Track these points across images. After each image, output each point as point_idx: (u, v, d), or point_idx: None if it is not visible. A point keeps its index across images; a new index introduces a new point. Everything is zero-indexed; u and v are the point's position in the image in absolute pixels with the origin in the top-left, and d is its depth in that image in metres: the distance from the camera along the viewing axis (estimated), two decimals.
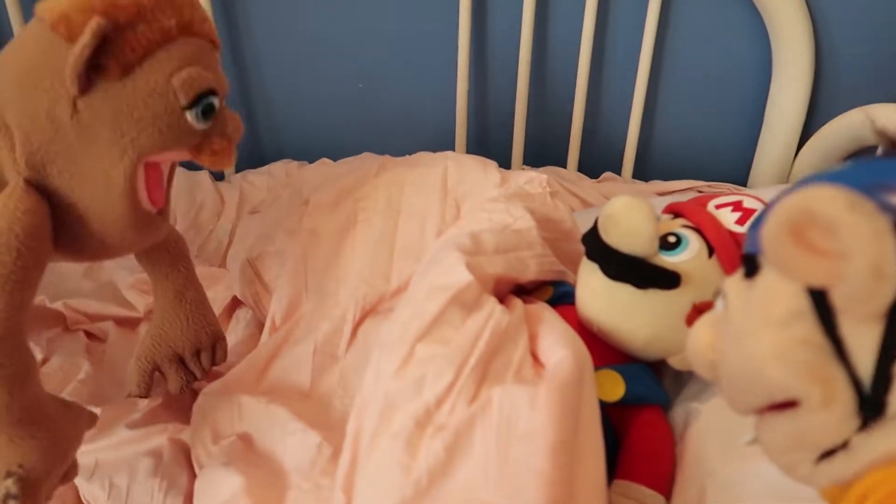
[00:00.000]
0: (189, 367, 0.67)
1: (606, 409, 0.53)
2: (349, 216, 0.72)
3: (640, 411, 0.55)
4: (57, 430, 0.49)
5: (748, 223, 0.56)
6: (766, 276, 0.31)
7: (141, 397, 0.67)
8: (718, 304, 0.35)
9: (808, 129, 1.02)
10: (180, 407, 0.68)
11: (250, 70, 1.08)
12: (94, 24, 0.45)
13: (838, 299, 0.28)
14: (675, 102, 1.08)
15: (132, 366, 0.67)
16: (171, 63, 0.49)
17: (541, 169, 1.07)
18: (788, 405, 0.30)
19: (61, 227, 0.52)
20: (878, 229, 0.26)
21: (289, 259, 0.72)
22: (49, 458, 0.47)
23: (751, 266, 0.33)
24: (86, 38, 0.45)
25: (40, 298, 0.79)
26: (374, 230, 0.70)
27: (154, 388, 0.68)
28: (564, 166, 1.10)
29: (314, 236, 0.72)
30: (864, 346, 0.28)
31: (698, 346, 0.36)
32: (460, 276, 0.53)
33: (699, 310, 0.54)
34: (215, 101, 0.52)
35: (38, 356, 0.72)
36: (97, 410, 0.56)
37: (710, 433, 0.53)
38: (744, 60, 1.03)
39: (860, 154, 0.96)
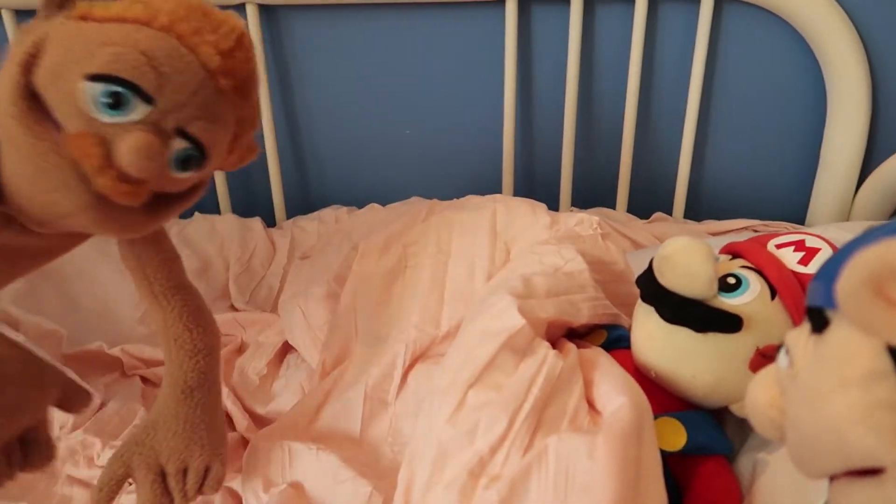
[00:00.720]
0: (169, 484, 0.53)
1: (667, 459, 0.51)
2: (398, 261, 0.72)
3: (703, 462, 0.53)
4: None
5: (812, 266, 0.54)
6: (840, 332, 0.29)
7: None
8: (782, 358, 0.33)
9: (867, 166, 0.99)
10: (233, 453, 0.68)
11: (300, 116, 1.11)
12: None
13: None
14: (727, 139, 1.06)
15: (106, 462, 0.55)
16: (124, 37, 0.43)
17: (589, 211, 1.06)
18: (870, 472, 0.28)
19: None
20: None
21: (339, 304, 0.72)
22: None
23: (819, 320, 0.31)
24: None
25: (98, 344, 0.81)
26: (423, 274, 0.70)
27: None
28: (613, 207, 1.08)
29: (364, 281, 0.72)
30: None
31: (759, 403, 0.34)
32: (512, 320, 0.52)
33: (763, 354, 0.51)
34: (132, 99, 0.42)
35: (97, 401, 0.73)
36: (91, 390, 0.53)
37: (779, 486, 0.50)
38: (797, 95, 1.01)
39: None
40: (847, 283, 0.27)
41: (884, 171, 0.96)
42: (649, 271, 0.54)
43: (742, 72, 1.01)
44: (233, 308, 0.93)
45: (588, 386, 0.51)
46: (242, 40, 0.48)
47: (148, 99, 0.43)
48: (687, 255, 0.51)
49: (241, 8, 1.00)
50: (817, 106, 1.00)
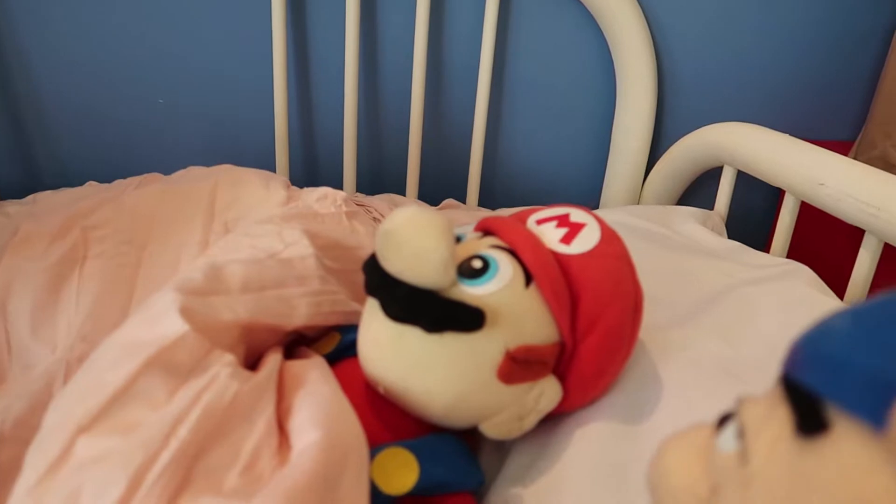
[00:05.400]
0: None
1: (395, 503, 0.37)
2: (74, 248, 0.53)
3: (442, 502, 0.40)
4: None
5: (575, 245, 0.43)
6: (855, 445, 0.18)
7: None
8: (728, 441, 0.21)
9: (655, 151, 0.97)
10: None
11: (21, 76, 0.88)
12: None
13: None
14: (520, 125, 1.00)
15: None
16: None
17: (377, 196, 0.93)
18: None
19: None
20: None
21: None
22: None
23: (813, 416, 0.19)
24: None
25: None
26: (107, 267, 0.52)
27: None
28: (403, 193, 0.97)
29: (22, 276, 0.52)
30: None
31: (673, 485, 0.21)
32: (168, 326, 0.36)
33: (514, 357, 0.40)
34: None
35: None
36: None
37: None
38: (589, 79, 0.97)
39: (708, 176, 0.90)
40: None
41: (670, 157, 0.94)
42: (374, 255, 0.41)
43: (534, 55, 0.95)
44: None
45: (285, 414, 0.37)
46: None
47: None
48: (414, 230, 0.38)
49: None
50: (608, 90, 0.96)
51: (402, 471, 0.38)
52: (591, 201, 1.00)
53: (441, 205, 0.97)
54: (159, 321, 0.36)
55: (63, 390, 0.36)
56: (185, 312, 0.37)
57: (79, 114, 0.93)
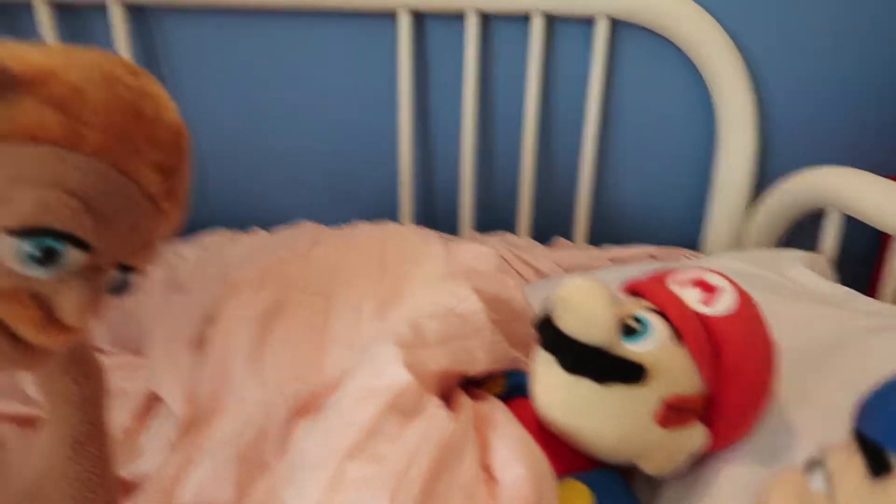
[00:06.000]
0: None
1: None
2: (277, 299, 0.64)
3: None
4: None
5: (716, 306, 0.50)
6: None
7: None
8: (818, 482, 0.29)
9: (758, 192, 1.00)
10: None
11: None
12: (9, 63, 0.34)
13: None
14: (624, 164, 1.05)
15: None
16: (43, 170, 0.34)
17: (491, 235, 1.02)
18: None
19: None
20: None
21: (208, 351, 0.64)
22: None
23: (879, 461, 0.26)
24: None
25: None
26: (304, 314, 0.63)
27: None
28: (515, 232, 1.05)
29: (237, 321, 0.64)
30: None
31: None
32: (397, 376, 0.46)
33: (670, 406, 0.48)
34: (66, 251, 0.36)
35: None
36: None
37: None
38: (689, 121, 1.01)
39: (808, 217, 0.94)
40: None
41: (771, 199, 0.97)
42: (547, 316, 0.50)
43: (637, 97, 1.00)
44: (96, 349, 0.82)
45: (483, 450, 0.46)
46: (183, 144, 0.40)
47: (83, 245, 0.36)
48: (585, 297, 0.47)
49: (102, 9, 0.90)
50: (708, 132, 1.00)
51: (579, 500, 0.47)
52: (691, 240, 1.05)
53: (552, 243, 1.05)
54: (387, 371, 0.46)
55: (319, 425, 0.46)
56: (408, 364, 0.47)
57: (227, 162, 1.06)
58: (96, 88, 0.36)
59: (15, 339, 0.38)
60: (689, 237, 1.06)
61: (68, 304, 0.37)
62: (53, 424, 0.48)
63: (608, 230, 1.09)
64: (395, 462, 0.41)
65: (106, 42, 0.95)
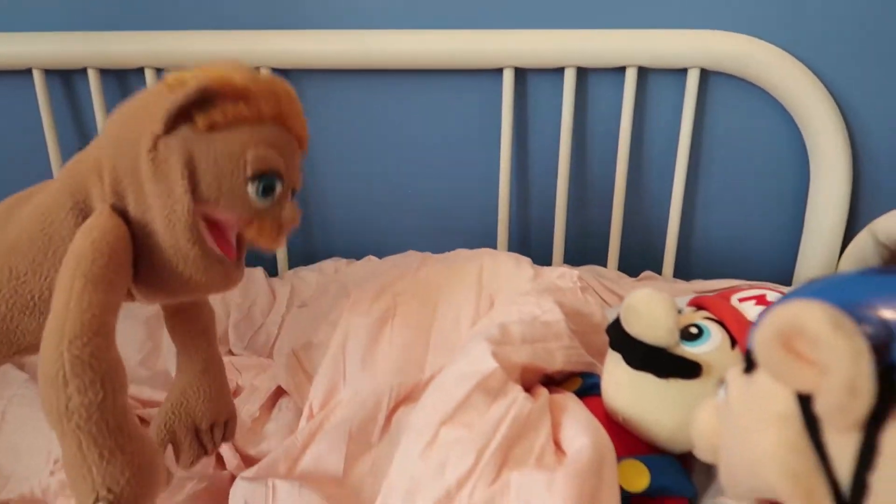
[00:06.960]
0: (202, 440, 0.67)
1: (631, 500, 0.53)
2: (388, 309, 0.76)
3: (665, 503, 0.55)
4: (146, 453, 0.47)
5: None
6: (763, 375, 0.33)
7: None
8: (721, 393, 0.37)
9: (851, 229, 1.02)
10: (222, 491, 0.70)
11: (306, 174, 1.16)
12: (200, 81, 0.51)
13: (818, 409, 0.29)
14: (714, 203, 1.10)
15: (150, 433, 0.66)
16: (252, 138, 0.52)
17: (581, 268, 1.09)
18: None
19: (139, 256, 0.54)
20: (858, 350, 0.27)
21: (329, 349, 0.76)
22: (139, 483, 0.44)
23: (750, 362, 0.34)
24: (188, 89, 0.51)
25: None
26: (410, 322, 0.74)
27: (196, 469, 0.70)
28: (605, 265, 1.12)
29: (355, 327, 0.75)
30: (843, 454, 0.29)
31: (702, 430, 0.38)
32: (486, 363, 0.55)
33: None
34: (278, 183, 0.54)
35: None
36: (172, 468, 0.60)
37: None
38: (780, 162, 1.05)
39: None
40: (761, 335, 0.31)
41: (866, 236, 0.98)
42: (617, 321, 0.58)
43: (727, 139, 1.06)
44: (230, 353, 0.97)
45: (556, 428, 0.54)
46: (298, 104, 0.58)
47: (282, 179, 0.55)
48: (650, 305, 0.55)
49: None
50: (800, 172, 1.04)
51: (638, 477, 0.54)
52: (783, 278, 1.07)
53: (640, 276, 1.11)
54: (478, 360, 0.56)
55: (420, 402, 0.57)
56: (495, 355, 0.56)
57: (346, 201, 1.20)
58: (253, 83, 0.53)
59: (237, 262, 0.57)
60: (780, 275, 1.08)
61: (286, 216, 0.56)
62: (186, 353, 0.67)
63: (698, 267, 1.13)
64: (482, 428, 0.51)
65: None
